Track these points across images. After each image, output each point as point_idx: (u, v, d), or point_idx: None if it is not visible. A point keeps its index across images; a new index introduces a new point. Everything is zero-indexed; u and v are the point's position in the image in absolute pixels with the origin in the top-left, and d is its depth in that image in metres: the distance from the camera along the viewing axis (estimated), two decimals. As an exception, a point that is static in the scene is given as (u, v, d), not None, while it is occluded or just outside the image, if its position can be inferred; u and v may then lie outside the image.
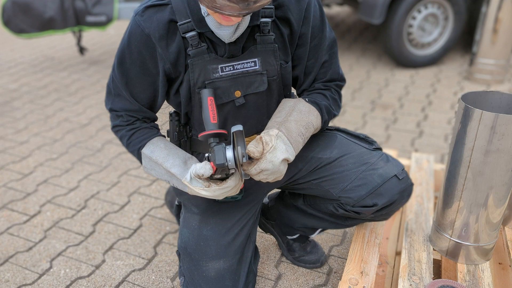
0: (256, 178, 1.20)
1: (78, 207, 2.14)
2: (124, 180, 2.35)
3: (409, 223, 1.54)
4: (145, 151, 1.33)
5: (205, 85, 1.28)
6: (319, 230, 1.72)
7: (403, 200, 1.37)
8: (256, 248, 1.55)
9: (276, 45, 1.29)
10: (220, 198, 1.26)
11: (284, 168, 1.21)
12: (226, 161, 1.13)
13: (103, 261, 1.81)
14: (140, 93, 1.33)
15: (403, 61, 3.70)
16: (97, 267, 1.78)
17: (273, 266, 1.76)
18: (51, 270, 1.76)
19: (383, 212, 1.38)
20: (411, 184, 1.37)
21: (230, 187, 1.22)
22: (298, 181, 1.46)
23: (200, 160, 1.37)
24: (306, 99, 1.36)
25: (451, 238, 1.36)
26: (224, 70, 1.27)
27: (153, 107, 1.38)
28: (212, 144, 1.16)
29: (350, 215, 1.43)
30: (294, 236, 1.75)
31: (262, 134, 1.22)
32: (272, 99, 1.39)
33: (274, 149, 1.18)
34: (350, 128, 2.79)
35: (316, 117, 1.33)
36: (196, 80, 1.27)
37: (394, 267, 1.56)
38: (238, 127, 1.13)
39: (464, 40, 4.35)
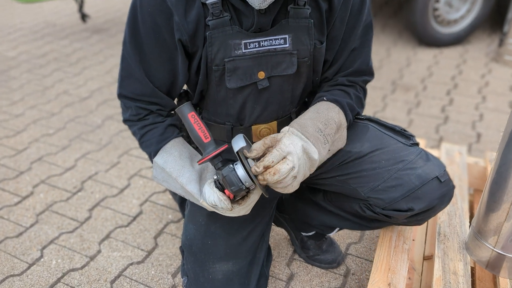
0: (278, 187, 1.01)
1: (73, 189, 1.98)
2: (124, 161, 2.18)
3: (441, 226, 1.36)
4: (158, 160, 1.15)
5: (224, 63, 1.09)
6: (338, 228, 1.55)
7: (443, 206, 1.18)
8: (269, 248, 1.38)
9: (312, 20, 1.09)
10: (248, 212, 1.10)
11: (305, 165, 1.03)
12: (242, 183, 0.99)
13: (99, 251, 1.65)
14: (156, 72, 1.13)
15: (427, 39, 3.45)
16: (92, 258, 1.62)
17: (285, 264, 1.60)
18: (42, 259, 1.61)
19: (418, 217, 1.20)
20: (453, 188, 1.19)
21: (254, 201, 1.08)
22: (321, 175, 1.28)
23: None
24: (324, 98, 1.17)
25: (494, 249, 1.18)
26: (248, 47, 1.08)
27: (172, 91, 1.19)
28: (218, 166, 1.02)
29: (378, 218, 1.25)
30: (310, 233, 1.57)
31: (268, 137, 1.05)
32: (299, 83, 1.20)
33: (287, 140, 1.01)
34: (369, 112, 2.58)
35: (338, 113, 1.15)
36: (214, 56, 1.09)
37: (422, 274, 1.39)
38: (239, 142, 0.98)
39: (492, 18, 4.06)
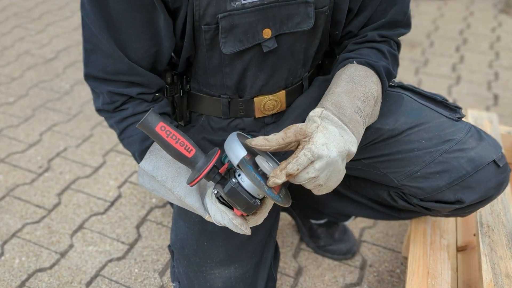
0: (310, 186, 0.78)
1: (39, 169, 1.69)
2: (98, 134, 1.88)
3: (483, 214, 1.14)
4: (145, 166, 0.85)
5: (217, 21, 0.81)
6: (354, 216, 1.32)
7: (498, 196, 0.95)
8: (276, 245, 1.14)
9: None
10: (265, 216, 0.86)
11: (342, 166, 0.77)
12: (254, 197, 0.75)
13: (71, 246, 1.39)
14: (132, 41, 0.82)
15: (430, -11, 3.14)
16: (63, 254, 1.37)
17: (291, 256, 1.37)
18: (2, 258, 1.35)
19: (466, 210, 0.96)
20: (509, 173, 0.95)
21: (268, 209, 0.84)
22: None
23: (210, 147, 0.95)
24: (355, 61, 0.90)
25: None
26: None
27: (157, 65, 0.89)
28: (216, 180, 0.76)
29: (414, 209, 1.02)
30: (320, 221, 1.34)
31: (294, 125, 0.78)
32: (314, 40, 0.93)
33: (321, 137, 0.75)
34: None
35: (376, 84, 0.89)
36: (203, 11, 0.80)
37: (457, 271, 1.18)
38: (236, 150, 0.73)
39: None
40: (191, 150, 0.73)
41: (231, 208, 0.79)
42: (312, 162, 0.73)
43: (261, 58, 0.88)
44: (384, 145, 0.96)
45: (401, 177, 0.96)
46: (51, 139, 1.85)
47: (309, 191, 1.26)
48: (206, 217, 0.82)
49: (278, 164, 0.82)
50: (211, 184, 0.83)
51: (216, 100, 0.98)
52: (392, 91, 1.01)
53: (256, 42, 0.84)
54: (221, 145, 1.00)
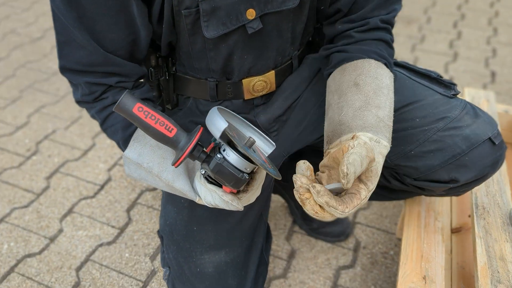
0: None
1: (27, 152, 1.66)
2: (87, 115, 1.84)
3: (478, 195, 1.12)
4: (130, 154, 0.81)
5: (197, 4, 0.76)
6: (348, 196, 1.30)
7: (493, 174, 0.93)
8: (268, 229, 1.12)
9: None
10: (259, 194, 0.83)
11: None
12: (242, 171, 0.72)
13: (60, 230, 1.37)
14: (106, 31, 0.77)
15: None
16: (52, 239, 1.34)
17: (284, 238, 1.35)
18: (-10, 243, 1.33)
19: (461, 189, 0.94)
20: (505, 150, 0.92)
21: (260, 184, 0.80)
22: None
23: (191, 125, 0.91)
24: (375, 56, 0.86)
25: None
26: None
27: (135, 53, 0.84)
28: (202, 158, 0.73)
29: (408, 189, 0.99)
30: (313, 203, 1.32)
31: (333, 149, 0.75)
32: (301, 17, 0.88)
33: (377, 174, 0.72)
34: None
35: (390, 80, 0.86)
36: None
37: (452, 252, 1.17)
38: (217, 122, 0.69)
39: None
40: (172, 129, 0.70)
41: (220, 186, 0.77)
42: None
43: (247, 40, 0.84)
44: None
45: (395, 157, 0.93)
46: (39, 121, 1.81)
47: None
48: (197, 200, 0.79)
49: (262, 134, 0.81)
50: (199, 166, 0.80)
51: (203, 83, 0.94)
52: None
53: (240, 23, 0.80)
54: None
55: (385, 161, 0.96)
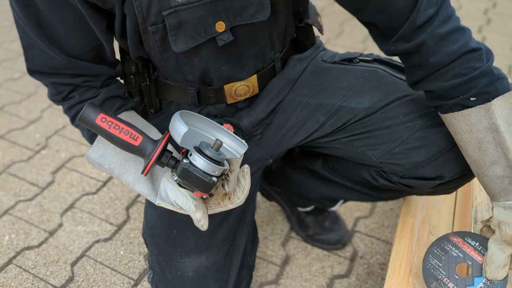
0: None
1: (36, 146, 1.70)
2: (97, 112, 1.87)
3: (478, 209, 1.06)
4: (92, 155, 0.81)
5: (163, 19, 0.73)
6: (342, 201, 1.27)
7: None
8: (255, 230, 1.10)
9: None
10: (247, 194, 0.79)
11: None
12: (210, 174, 0.70)
13: (60, 225, 1.39)
14: (67, 37, 0.77)
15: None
16: (51, 233, 1.37)
17: (280, 244, 1.33)
18: (-7, 234, 1.36)
19: (449, 186, 0.91)
20: None
21: (234, 177, 0.78)
22: (319, 140, 0.97)
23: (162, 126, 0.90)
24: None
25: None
26: None
27: (103, 56, 0.83)
28: (171, 165, 0.72)
29: (395, 188, 0.96)
30: (308, 209, 1.30)
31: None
32: (277, 24, 0.85)
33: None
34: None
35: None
36: (146, 11, 0.72)
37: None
38: (178, 128, 0.69)
39: None
40: (138, 137, 0.69)
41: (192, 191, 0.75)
42: None
43: (220, 51, 0.81)
44: (360, 124, 0.91)
45: (379, 154, 0.91)
46: (51, 117, 1.85)
47: (294, 178, 1.22)
48: (156, 203, 0.78)
49: (233, 135, 0.79)
50: (166, 168, 0.79)
51: (184, 89, 0.92)
52: (368, 66, 0.95)
53: (209, 36, 0.77)
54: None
55: (371, 160, 0.93)
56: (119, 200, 1.48)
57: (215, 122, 0.79)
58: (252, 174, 1.00)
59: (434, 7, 0.75)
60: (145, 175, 0.71)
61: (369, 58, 0.97)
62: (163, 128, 0.97)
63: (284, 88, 0.94)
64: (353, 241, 1.34)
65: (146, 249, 1.32)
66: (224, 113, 0.94)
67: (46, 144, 1.71)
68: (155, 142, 0.70)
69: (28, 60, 0.81)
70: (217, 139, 0.69)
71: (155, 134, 0.85)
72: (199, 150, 0.70)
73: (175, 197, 0.75)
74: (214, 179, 0.70)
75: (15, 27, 2.44)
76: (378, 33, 0.82)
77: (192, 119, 0.77)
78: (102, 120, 0.68)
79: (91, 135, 0.84)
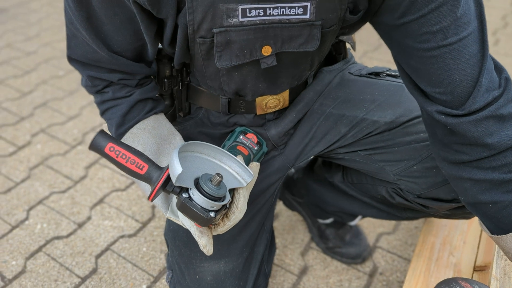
0: None
1: (74, 141, 1.77)
2: (133, 112, 1.93)
3: (505, 234, 1.03)
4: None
5: (212, 35, 0.75)
6: (361, 216, 1.26)
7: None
8: (272, 237, 1.11)
9: None
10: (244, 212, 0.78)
11: None
12: (207, 212, 0.70)
13: (89, 218, 1.45)
14: (114, 34, 0.79)
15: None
16: (80, 225, 1.42)
17: (299, 253, 1.33)
18: (26, 222, 1.43)
19: (466, 210, 0.88)
20: None
21: (243, 204, 0.77)
22: (339, 151, 0.97)
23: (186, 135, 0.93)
24: None
25: None
26: (248, 15, 0.72)
27: (144, 56, 0.85)
28: (176, 192, 0.72)
29: (412, 207, 0.95)
30: (327, 221, 1.29)
31: None
32: (321, 52, 0.86)
33: None
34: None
35: None
36: (198, 26, 0.74)
37: (469, 292, 1.08)
38: (174, 167, 0.68)
39: None
40: (143, 166, 0.71)
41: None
42: None
43: (261, 71, 0.82)
44: (380, 137, 0.91)
45: (397, 171, 0.90)
46: (89, 114, 1.93)
47: (313, 189, 1.21)
48: (167, 216, 0.80)
49: (241, 163, 0.78)
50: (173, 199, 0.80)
51: (216, 97, 0.94)
52: (394, 81, 0.94)
53: (254, 58, 0.78)
54: (219, 138, 0.98)
55: (388, 175, 0.92)
56: (146, 198, 1.52)
57: (224, 150, 0.78)
58: (273, 183, 1.01)
59: (497, 89, 0.71)
60: (151, 201, 0.73)
61: (396, 73, 0.96)
62: (189, 134, 1.00)
63: (312, 99, 0.95)
64: (374, 256, 1.32)
65: (167, 248, 1.35)
66: (252, 123, 0.96)
67: (83, 140, 1.78)
68: (160, 171, 0.71)
69: (70, 48, 0.83)
70: (217, 174, 0.69)
71: (178, 142, 0.87)
72: (198, 185, 0.70)
73: (182, 218, 0.76)
74: (212, 214, 0.70)
75: (64, 28, 2.57)
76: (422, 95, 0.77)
77: (201, 147, 0.77)
78: (110, 149, 0.71)
79: (118, 134, 0.87)
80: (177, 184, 0.68)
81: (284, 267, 1.29)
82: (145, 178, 0.72)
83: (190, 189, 0.70)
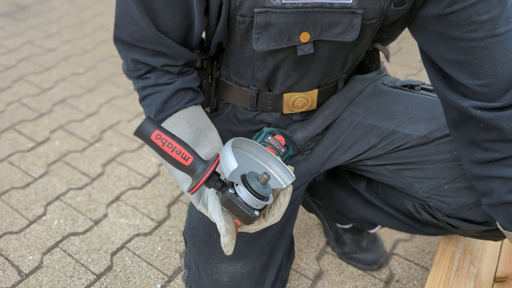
0: None
1: (91, 138, 1.79)
2: (150, 111, 1.94)
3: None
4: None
5: (253, 14, 0.75)
6: (380, 226, 1.24)
7: None
8: (292, 243, 1.10)
9: None
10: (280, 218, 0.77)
11: None
12: (252, 210, 0.69)
13: (105, 215, 1.46)
14: (163, 12, 0.78)
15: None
16: (96, 222, 1.43)
17: (314, 257, 1.32)
18: (44, 218, 1.45)
19: (497, 233, 0.86)
20: None
21: (285, 205, 0.76)
22: (366, 162, 0.96)
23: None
24: None
25: None
26: None
27: (188, 39, 0.84)
28: (218, 187, 0.71)
29: (438, 224, 0.92)
30: (346, 226, 1.27)
31: None
32: (357, 49, 0.86)
33: None
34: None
35: None
36: (239, 3, 0.74)
37: (489, 304, 1.06)
38: (228, 162, 0.67)
39: None
40: (189, 158, 0.70)
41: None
42: None
43: (295, 59, 0.82)
44: (411, 152, 0.88)
45: (427, 188, 0.87)
46: (107, 112, 1.94)
47: (336, 194, 1.20)
48: (198, 207, 0.79)
49: (283, 164, 0.77)
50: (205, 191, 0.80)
51: (244, 91, 0.94)
52: (429, 95, 0.92)
53: (291, 44, 0.78)
54: (244, 136, 0.97)
55: (417, 192, 0.90)
56: (162, 197, 1.52)
57: (267, 150, 0.77)
58: (296, 189, 1.00)
59: None
60: (192, 194, 0.73)
61: (431, 87, 0.94)
62: (218, 131, 0.99)
63: (341, 106, 0.94)
64: (390, 263, 1.30)
65: (182, 247, 1.35)
66: (278, 122, 0.95)
67: (100, 137, 1.79)
68: (205, 164, 0.70)
69: (118, 27, 0.82)
70: (265, 173, 0.68)
71: (214, 136, 0.86)
72: (245, 182, 0.69)
73: (212, 211, 0.75)
74: (256, 213, 0.70)
75: (83, 26, 2.60)
76: (457, 87, 0.75)
77: (245, 144, 0.76)
78: (157, 136, 0.69)
79: (156, 121, 0.85)
80: (230, 180, 0.68)
81: (299, 271, 1.28)
82: (189, 170, 0.71)
83: (237, 185, 0.70)
